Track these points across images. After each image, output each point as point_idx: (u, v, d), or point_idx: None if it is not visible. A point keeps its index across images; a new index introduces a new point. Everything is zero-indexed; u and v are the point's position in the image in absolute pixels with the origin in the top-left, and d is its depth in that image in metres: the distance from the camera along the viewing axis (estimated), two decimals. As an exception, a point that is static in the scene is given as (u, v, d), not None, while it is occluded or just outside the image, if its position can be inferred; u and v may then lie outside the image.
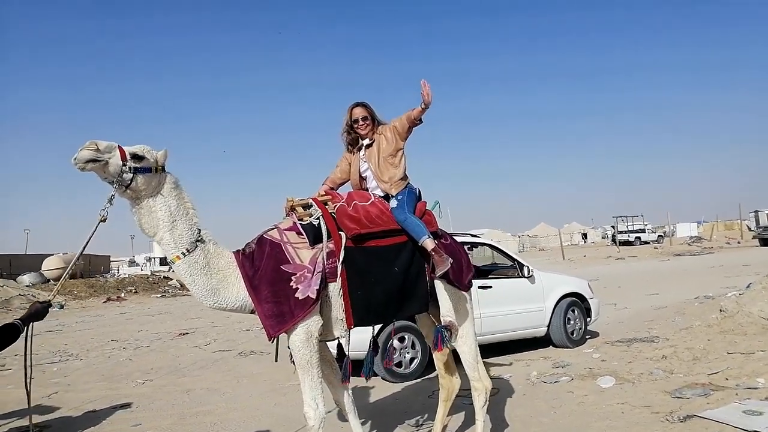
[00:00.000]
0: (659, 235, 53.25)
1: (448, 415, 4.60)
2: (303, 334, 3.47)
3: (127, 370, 8.59)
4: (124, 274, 37.87)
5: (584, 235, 71.31)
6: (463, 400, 5.72)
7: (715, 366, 6.19)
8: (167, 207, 3.37)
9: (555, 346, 8.30)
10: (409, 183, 4.15)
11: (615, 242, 46.85)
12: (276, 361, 4.11)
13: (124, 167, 3.18)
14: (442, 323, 3.99)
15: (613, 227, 54.83)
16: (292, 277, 3.45)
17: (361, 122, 4.08)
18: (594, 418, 4.97)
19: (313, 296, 3.43)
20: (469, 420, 5.14)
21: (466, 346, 4.10)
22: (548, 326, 8.20)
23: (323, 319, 3.58)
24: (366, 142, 4.12)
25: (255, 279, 3.47)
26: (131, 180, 3.21)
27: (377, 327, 4.31)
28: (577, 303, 8.52)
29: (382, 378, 6.83)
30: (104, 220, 3.21)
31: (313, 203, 3.88)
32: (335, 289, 3.61)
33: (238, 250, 3.63)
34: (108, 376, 8.23)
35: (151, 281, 30.19)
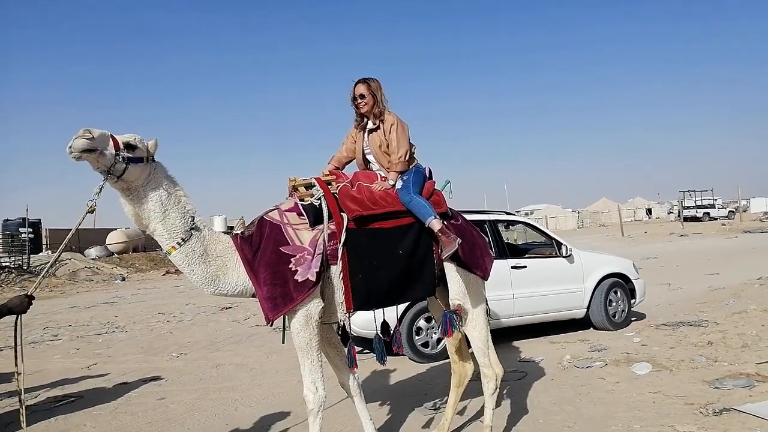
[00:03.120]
0: (730, 211, 50.44)
1: (460, 400, 4.45)
2: (302, 317, 3.39)
3: (166, 343, 8.84)
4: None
5: (648, 211, 68.21)
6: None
7: (766, 355, 5.72)
8: (158, 197, 3.26)
9: (596, 328, 7.93)
10: (417, 163, 3.97)
11: (680, 218, 44.58)
12: (283, 342, 4.05)
13: (117, 157, 3.08)
14: (451, 307, 3.83)
15: (679, 202, 52.27)
16: (292, 259, 3.35)
17: (359, 100, 3.93)
18: (621, 408, 4.67)
19: (313, 279, 3.32)
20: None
21: (476, 331, 3.91)
22: (588, 308, 7.83)
23: (325, 301, 3.48)
24: (370, 125, 3.97)
25: (254, 262, 3.38)
26: (124, 170, 3.11)
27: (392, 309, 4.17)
28: (620, 284, 8.09)
29: (408, 358, 6.72)
30: (92, 211, 3.11)
31: (316, 183, 3.75)
32: (336, 271, 3.49)
33: (237, 234, 3.55)
34: (147, 348, 8.48)
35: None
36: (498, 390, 3.99)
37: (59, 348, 8.84)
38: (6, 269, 22.11)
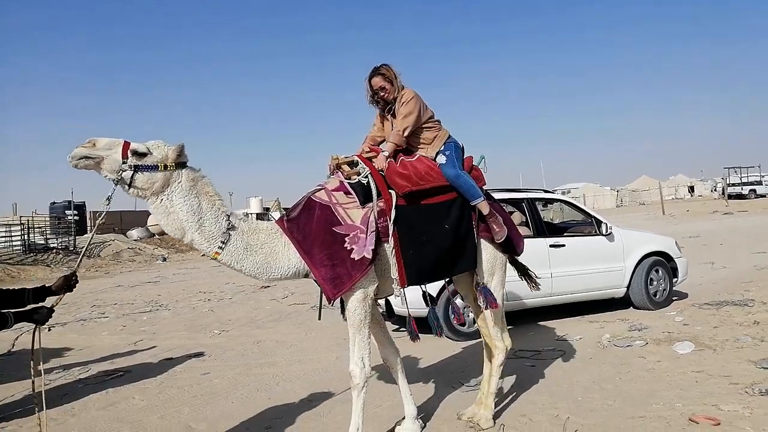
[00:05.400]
0: (779, 188, 48.51)
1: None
2: (360, 294, 3.46)
3: (208, 320, 9.08)
4: (223, 229, 39.88)
5: (691, 189, 66.30)
6: (524, 362, 5.55)
7: (815, 334, 5.55)
8: (189, 207, 3.22)
9: (636, 307, 7.80)
10: (449, 135, 3.94)
11: (725, 196, 43.13)
12: (319, 319, 4.14)
13: (123, 164, 3.06)
14: (480, 283, 3.93)
15: (723, 179, 50.54)
16: (346, 239, 3.40)
17: (381, 93, 3.85)
18: (662, 386, 4.61)
19: (369, 256, 3.38)
20: (523, 380, 4.98)
21: None
22: (628, 287, 7.70)
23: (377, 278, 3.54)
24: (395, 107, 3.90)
25: (306, 243, 3.41)
26: (131, 178, 3.09)
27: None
28: (661, 263, 7.91)
29: (445, 336, 6.74)
30: (104, 223, 3.18)
31: (360, 161, 3.76)
32: (388, 248, 3.55)
33: (281, 217, 3.59)
34: (190, 326, 8.73)
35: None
36: (505, 362, 4.13)
37: (107, 325, 9.18)
38: (54, 250, 22.99)
